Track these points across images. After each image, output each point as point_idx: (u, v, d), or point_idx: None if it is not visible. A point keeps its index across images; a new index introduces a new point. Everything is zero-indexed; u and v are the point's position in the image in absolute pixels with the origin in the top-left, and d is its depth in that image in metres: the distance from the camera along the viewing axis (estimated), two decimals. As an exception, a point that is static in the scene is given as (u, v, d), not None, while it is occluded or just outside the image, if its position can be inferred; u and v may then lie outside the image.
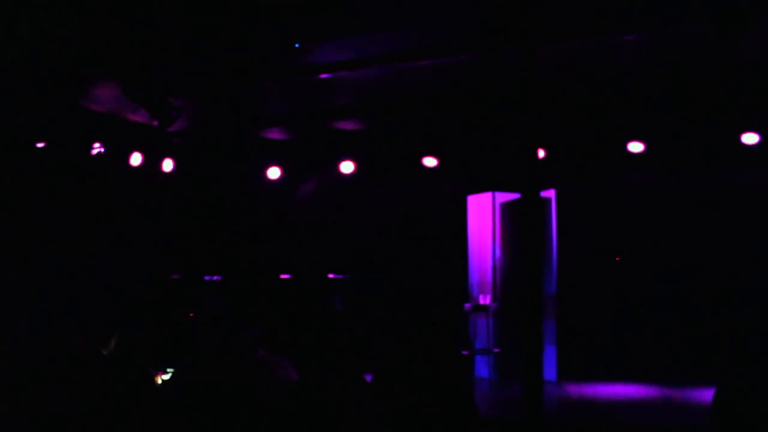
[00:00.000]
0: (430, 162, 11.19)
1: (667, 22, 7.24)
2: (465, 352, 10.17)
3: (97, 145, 10.55)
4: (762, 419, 3.51)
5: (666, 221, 10.62)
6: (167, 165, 11.37)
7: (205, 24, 7.47)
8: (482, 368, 10.42)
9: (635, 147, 10.09)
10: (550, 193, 10.42)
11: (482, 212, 10.68)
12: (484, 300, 10.11)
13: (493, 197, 10.50)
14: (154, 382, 5.78)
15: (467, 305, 10.28)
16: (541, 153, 10.29)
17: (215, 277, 11.47)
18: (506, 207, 10.44)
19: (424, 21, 7.53)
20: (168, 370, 6.60)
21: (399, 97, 9.92)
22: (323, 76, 9.06)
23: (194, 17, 7.39)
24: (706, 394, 3.81)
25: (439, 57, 8.30)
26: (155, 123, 9.28)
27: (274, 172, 11.99)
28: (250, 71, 8.81)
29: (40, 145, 9.98)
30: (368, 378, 4.59)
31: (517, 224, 10.03)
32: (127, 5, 7.25)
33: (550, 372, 10.14)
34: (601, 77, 9.03)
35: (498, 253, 10.38)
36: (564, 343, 10.16)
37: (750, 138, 9.56)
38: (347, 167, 11.52)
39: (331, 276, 11.35)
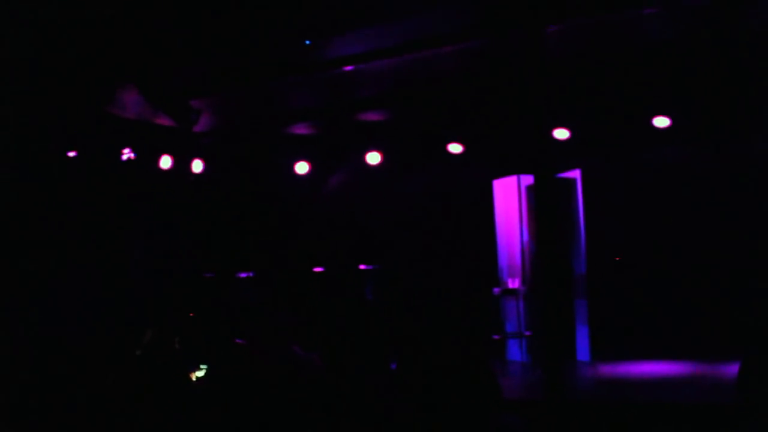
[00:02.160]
0: (455, 148, 11.21)
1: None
2: (496, 337, 10.20)
3: (126, 150, 10.73)
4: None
5: (695, 196, 10.51)
6: (197, 166, 11.54)
7: (220, 24, 7.58)
8: (515, 351, 10.45)
9: (661, 122, 9.99)
10: (576, 173, 10.38)
11: (508, 196, 10.68)
12: (513, 284, 10.13)
13: (519, 180, 10.50)
14: (188, 379, 5.92)
15: (497, 290, 10.30)
16: (566, 133, 10.28)
17: (248, 274, 11.62)
18: (531, 189, 10.44)
19: (435, 8, 7.56)
20: (202, 367, 6.73)
21: (421, 86, 9.96)
22: (345, 68, 9.14)
23: (209, 18, 7.49)
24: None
25: (452, 44, 8.32)
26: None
27: (302, 167, 12.12)
28: (267, 69, 8.91)
29: (71, 154, 10.19)
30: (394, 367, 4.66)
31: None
32: (142, 9, 7.37)
33: (583, 353, 10.13)
34: (623, 52, 8.96)
35: (526, 236, 10.39)
36: (596, 323, 10.13)
37: (777, 107, 9.42)
38: (374, 158, 11.60)
39: (362, 267, 11.44)
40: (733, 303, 9.98)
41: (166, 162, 11.12)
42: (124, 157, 10.69)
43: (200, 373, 6.52)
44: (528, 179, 10.39)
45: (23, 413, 5.21)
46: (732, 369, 3.57)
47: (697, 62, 8.95)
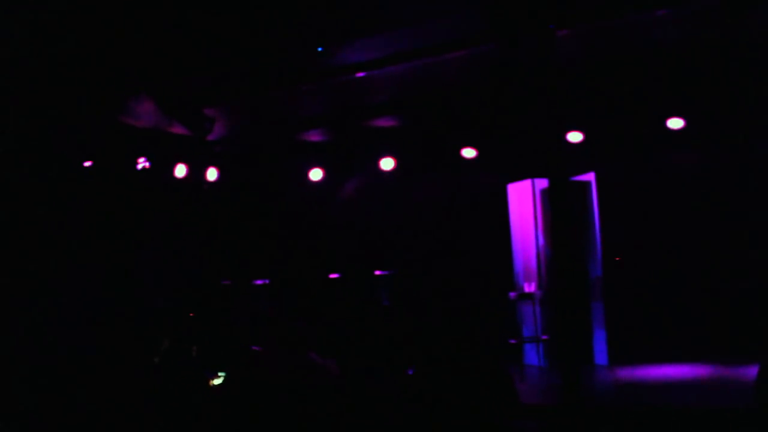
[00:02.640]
0: (468, 153, 11.21)
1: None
2: (513, 341, 10.17)
3: (141, 159, 10.79)
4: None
5: (710, 198, 10.45)
6: (211, 174, 11.59)
7: (233, 33, 7.62)
8: (531, 356, 10.42)
9: (675, 123, 9.95)
10: (590, 176, 10.36)
11: (523, 200, 10.66)
12: (529, 288, 10.10)
13: (533, 184, 10.48)
14: (206, 386, 5.94)
15: (512, 294, 10.28)
16: (579, 136, 10.26)
17: (264, 281, 11.65)
18: (546, 193, 10.42)
19: (446, 14, 7.57)
20: (220, 374, 6.76)
21: (434, 91, 9.97)
22: (358, 75, 9.16)
23: (221, 27, 7.54)
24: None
25: (464, 49, 8.33)
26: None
27: (316, 174, 12.15)
28: (280, 76, 8.95)
29: (87, 164, 10.25)
30: (411, 371, 4.66)
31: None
32: (153, 19, 7.42)
33: (601, 356, 10.10)
34: (637, 55, 8.94)
35: (541, 240, 10.36)
36: (613, 327, 10.09)
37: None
38: (387, 164, 11.61)
39: (377, 273, 11.45)
40: (751, 305, 9.91)
41: (180, 171, 11.18)
42: (139, 166, 10.75)
43: (218, 380, 6.54)
44: (542, 183, 10.37)
45: (31, 417, 5.25)
46: (751, 371, 3.54)
47: (711, 64, 8.91)
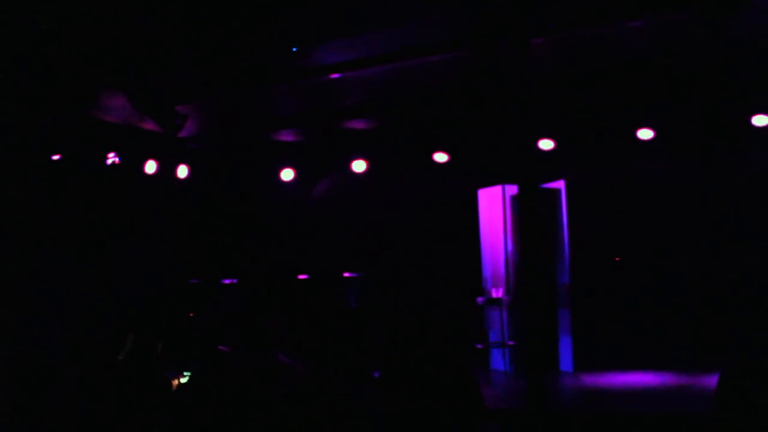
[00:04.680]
0: (440, 157, 11.24)
1: (657, 8, 7.26)
2: (479, 346, 10.22)
3: (111, 155, 10.69)
4: (763, 402, 3.55)
5: (677, 207, 10.59)
6: (182, 171, 11.51)
7: (207, 30, 7.57)
8: (498, 361, 10.48)
9: (645, 134, 10.06)
10: (560, 184, 10.44)
11: (493, 206, 10.72)
12: (497, 293, 10.16)
13: (504, 190, 10.54)
14: (170, 386, 5.89)
15: (480, 299, 10.33)
16: (551, 144, 10.34)
17: (233, 280, 11.60)
18: (516, 199, 10.49)
19: (419, 19, 7.59)
20: (185, 374, 6.70)
21: (407, 95, 9.98)
22: (332, 76, 9.16)
23: (196, 24, 7.49)
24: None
25: (438, 54, 8.36)
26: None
27: (287, 174, 12.11)
28: (254, 75, 8.91)
29: (55, 157, 10.14)
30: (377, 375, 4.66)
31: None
32: (128, 14, 7.36)
33: (566, 362, 10.17)
34: (608, 65, 9.03)
35: (510, 246, 10.42)
36: (579, 333, 10.18)
37: (760, 120, 9.50)
38: (359, 166, 11.60)
39: (346, 275, 11.44)
40: (714, 314, 10.05)
41: (151, 167, 11.08)
42: (109, 161, 10.64)
43: (183, 380, 6.49)
44: (512, 189, 10.44)
45: (3, 415, 5.18)
46: (712, 380, 3.60)
47: (681, 75, 9.03)
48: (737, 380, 3.84)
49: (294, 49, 7.74)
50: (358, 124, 11.04)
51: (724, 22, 6.79)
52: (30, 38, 7.81)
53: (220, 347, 5.93)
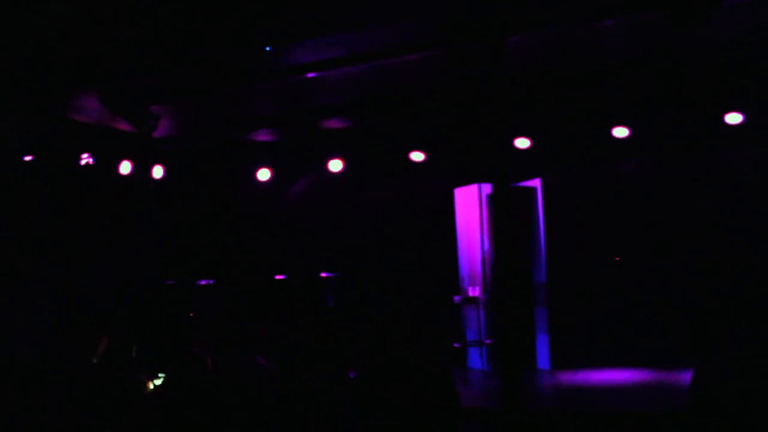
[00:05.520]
0: (417, 156, 11.23)
1: (629, 8, 7.31)
2: (456, 345, 10.23)
3: (85, 155, 10.58)
4: (736, 398, 3.57)
5: (653, 205, 10.66)
6: (157, 172, 11.41)
7: (180, 30, 7.52)
8: (475, 360, 10.49)
9: (620, 132, 10.11)
10: (536, 182, 10.47)
11: (470, 205, 10.74)
12: (474, 292, 10.17)
13: (480, 189, 10.56)
14: (144, 388, 5.84)
15: (457, 298, 10.34)
16: (526, 143, 10.37)
17: (209, 281, 11.52)
18: (492, 198, 10.50)
19: (396, 18, 7.59)
20: (159, 376, 6.64)
21: (384, 94, 9.97)
22: (308, 75, 9.12)
23: (168, 24, 7.43)
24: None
25: (414, 53, 8.37)
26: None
27: (263, 174, 12.04)
28: (228, 75, 8.87)
29: (27, 158, 10.02)
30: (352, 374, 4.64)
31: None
32: (100, 14, 7.29)
33: (543, 361, 10.21)
34: (584, 64, 9.08)
35: (487, 244, 10.44)
36: (556, 332, 10.22)
37: (733, 118, 9.58)
38: (336, 165, 11.57)
39: (323, 275, 11.40)
40: (689, 311, 10.14)
41: (125, 167, 10.99)
42: (83, 162, 10.53)
43: (157, 382, 6.43)
44: (489, 188, 10.45)
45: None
46: (688, 376, 3.62)
47: (655, 74, 9.09)
48: (711, 376, 3.86)
49: (267, 49, 7.69)
50: (334, 124, 11.01)
51: (695, 22, 6.84)
52: (2, 39, 7.72)
53: (196, 349, 5.89)
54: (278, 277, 11.58)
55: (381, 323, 10.93)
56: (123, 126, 10.04)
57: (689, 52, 8.61)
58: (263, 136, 11.66)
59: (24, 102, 8.85)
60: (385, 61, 8.76)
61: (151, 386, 6.12)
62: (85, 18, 7.39)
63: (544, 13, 7.81)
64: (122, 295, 10.86)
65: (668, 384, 8.65)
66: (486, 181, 10.37)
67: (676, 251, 10.47)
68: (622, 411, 7.47)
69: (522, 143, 10.32)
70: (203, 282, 11.52)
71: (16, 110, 8.97)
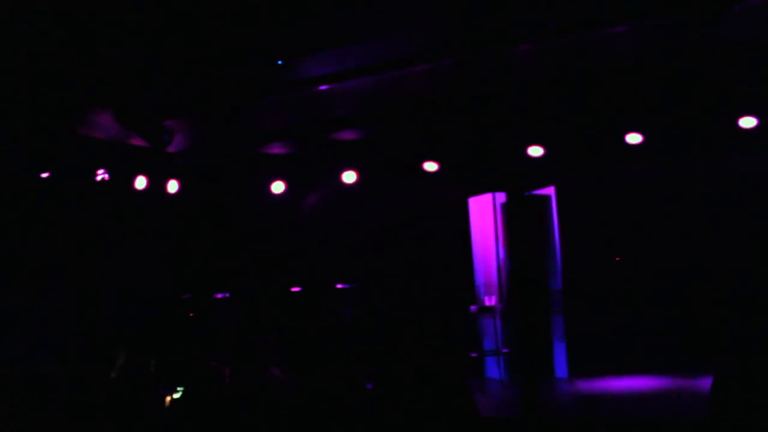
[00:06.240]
0: (430, 166, 11.22)
1: (640, 14, 7.31)
2: (474, 354, 10.19)
3: (101, 171, 10.66)
4: (756, 405, 3.55)
5: (668, 210, 10.61)
6: (172, 186, 11.47)
7: (192, 46, 7.57)
8: (492, 369, 10.45)
9: (633, 138, 10.07)
10: (550, 190, 10.45)
11: (484, 214, 10.72)
12: (490, 301, 10.15)
13: (494, 198, 10.55)
14: (163, 402, 5.86)
15: (473, 307, 10.31)
16: (540, 150, 10.35)
17: (225, 295, 11.55)
18: (506, 207, 10.49)
19: (407, 28, 7.62)
20: (178, 390, 6.66)
21: (396, 105, 9.99)
22: (320, 88, 9.16)
23: (181, 40, 7.49)
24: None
25: (425, 63, 8.38)
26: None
27: (278, 187, 12.07)
28: (241, 89, 8.91)
29: (44, 175, 10.10)
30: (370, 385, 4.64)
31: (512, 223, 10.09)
32: (115, 32, 7.36)
33: (561, 369, 10.16)
34: (595, 70, 9.06)
35: (502, 253, 10.42)
36: (573, 339, 10.17)
37: (747, 122, 9.53)
38: (349, 177, 11.58)
39: (339, 286, 11.41)
40: (708, 317, 10.06)
41: (140, 182, 11.05)
42: (98, 177, 10.61)
43: (176, 396, 6.45)
44: (503, 196, 10.44)
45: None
46: (707, 383, 3.60)
47: (668, 78, 9.07)
48: (731, 383, 3.84)
49: (279, 62, 7.74)
50: (347, 135, 11.04)
51: (707, 26, 6.82)
52: (17, 57, 7.80)
53: (213, 362, 5.90)
54: (294, 289, 11.59)
55: (398, 334, 10.91)
56: (138, 141, 10.12)
57: (701, 56, 8.58)
58: (277, 149, 11.70)
59: (39, 119, 8.93)
60: (397, 72, 8.78)
61: (170, 400, 6.15)
62: (98, 35, 7.46)
63: (555, 20, 7.81)
64: (139, 310, 10.91)
65: (687, 391, 8.58)
66: (500, 189, 10.35)
67: (693, 256, 10.40)
68: (641, 418, 7.41)
69: (535, 151, 10.30)
70: (219, 295, 11.56)
71: (32, 127, 9.06)
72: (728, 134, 9.78)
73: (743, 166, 10.35)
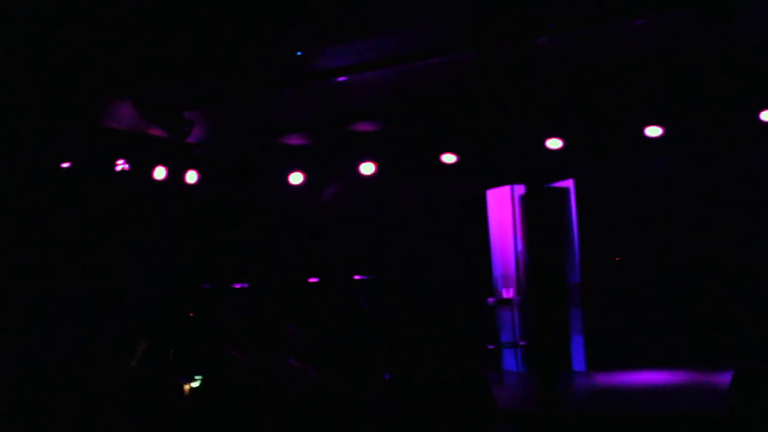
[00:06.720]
0: (448, 158, 11.19)
1: (659, 7, 7.25)
2: (491, 346, 10.20)
3: (120, 161, 10.73)
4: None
5: (687, 204, 10.54)
6: (191, 177, 11.52)
7: (212, 37, 7.60)
8: (510, 361, 10.45)
9: (653, 131, 10.00)
10: (569, 183, 10.41)
11: (502, 206, 10.71)
12: (508, 293, 10.14)
13: (512, 190, 10.53)
14: (182, 391, 5.90)
15: (491, 299, 10.31)
16: (559, 143, 10.31)
17: (243, 285, 11.61)
18: (525, 199, 10.46)
19: (426, 20, 7.60)
20: (196, 379, 6.71)
21: (415, 96, 9.98)
22: (338, 79, 9.17)
23: (201, 31, 7.52)
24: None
25: (444, 55, 8.37)
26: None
27: (296, 178, 12.09)
28: (260, 80, 8.93)
29: (65, 165, 10.18)
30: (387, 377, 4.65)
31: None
32: (134, 23, 7.40)
33: (578, 362, 10.14)
34: (615, 63, 9.01)
35: (520, 246, 10.40)
36: (591, 333, 10.14)
37: (769, 115, 9.43)
38: (368, 168, 11.57)
39: (356, 277, 11.44)
40: (726, 312, 10.00)
41: (160, 173, 11.11)
42: (118, 168, 10.68)
43: (195, 385, 6.50)
44: (521, 189, 10.40)
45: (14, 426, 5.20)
46: (726, 378, 3.58)
47: (688, 72, 8.99)
48: (751, 378, 3.82)
49: (298, 53, 7.75)
50: (365, 127, 11.04)
51: (728, 19, 6.76)
52: (38, 48, 7.86)
53: (232, 352, 5.94)
54: (312, 279, 11.63)
55: (415, 325, 10.93)
56: (157, 132, 10.18)
57: (722, 49, 8.50)
58: (295, 140, 11.73)
59: (60, 110, 9.00)
60: (416, 64, 8.77)
61: (189, 389, 6.19)
62: (118, 27, 7.50)
63: (575, 13, 7.77)
64: (159, 299, 10.99)
65: (706, 385, 8.54)
66: (518, 182, 10.32)
67: (712, 250, 10.33)
68: (659, 413, 7.39)
69: (554, 144, 10.24)
70: (238, 285, 11.62)
71: (53, 118, 9.13)
72: (749, 128, 9.68)
73: (764, 159, 10.26)
